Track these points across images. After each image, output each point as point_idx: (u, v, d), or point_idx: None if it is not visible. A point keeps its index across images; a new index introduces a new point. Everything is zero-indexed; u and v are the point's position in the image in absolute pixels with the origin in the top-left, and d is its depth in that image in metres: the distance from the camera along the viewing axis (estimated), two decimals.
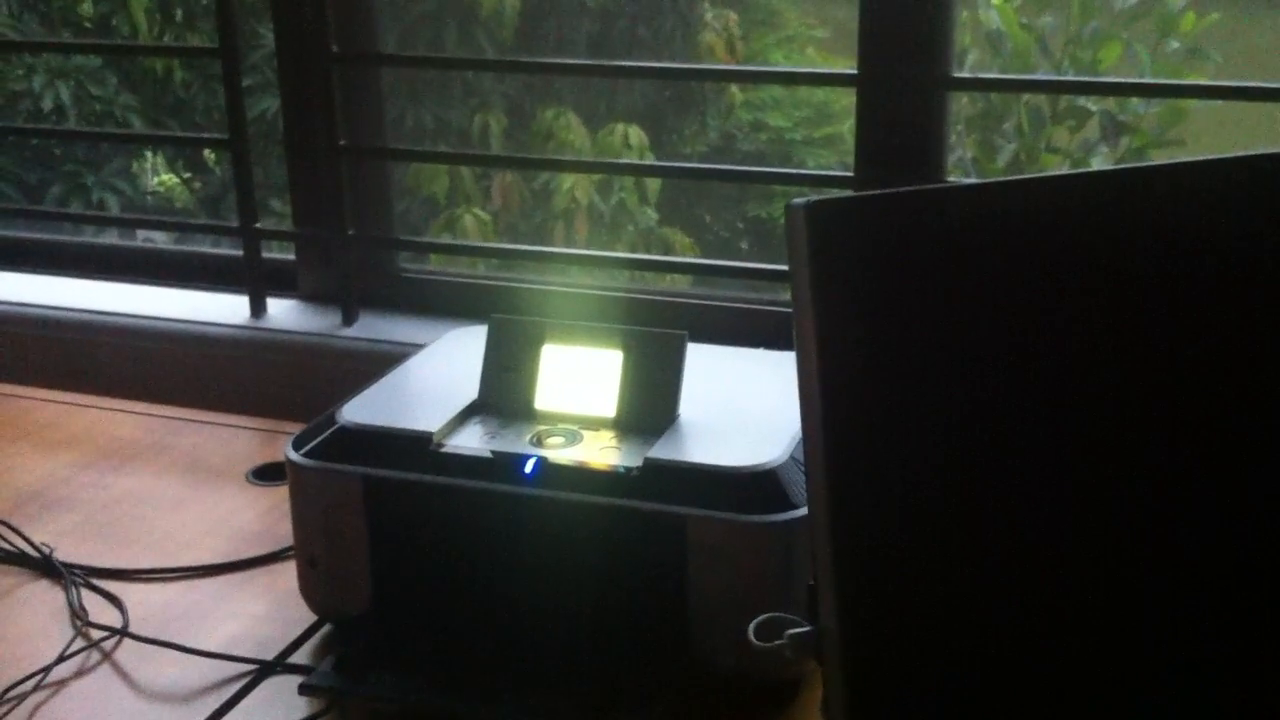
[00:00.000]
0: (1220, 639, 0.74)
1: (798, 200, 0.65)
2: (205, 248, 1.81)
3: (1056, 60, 3.38)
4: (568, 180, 4.25)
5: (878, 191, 0.69)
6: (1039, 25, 3.40)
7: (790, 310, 0.67)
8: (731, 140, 4.93)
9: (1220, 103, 2.93)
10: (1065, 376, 0.70)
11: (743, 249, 4.80)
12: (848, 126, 3.74)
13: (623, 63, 1.50)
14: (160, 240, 3.32)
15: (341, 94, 1.50)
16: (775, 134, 4.90)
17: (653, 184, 4.41)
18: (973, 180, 0.71)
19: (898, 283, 0.67)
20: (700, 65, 3.89)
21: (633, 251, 4.27)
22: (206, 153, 4.84)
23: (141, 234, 3.64)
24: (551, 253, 1.74)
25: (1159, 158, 3.34)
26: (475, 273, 1.66)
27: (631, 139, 4.29)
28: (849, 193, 1.36)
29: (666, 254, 4.28)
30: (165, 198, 4.88)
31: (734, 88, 4.78)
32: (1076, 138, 3.40)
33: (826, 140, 4.76)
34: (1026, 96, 3.39)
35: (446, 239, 4.04)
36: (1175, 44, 3.31)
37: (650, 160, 4.35)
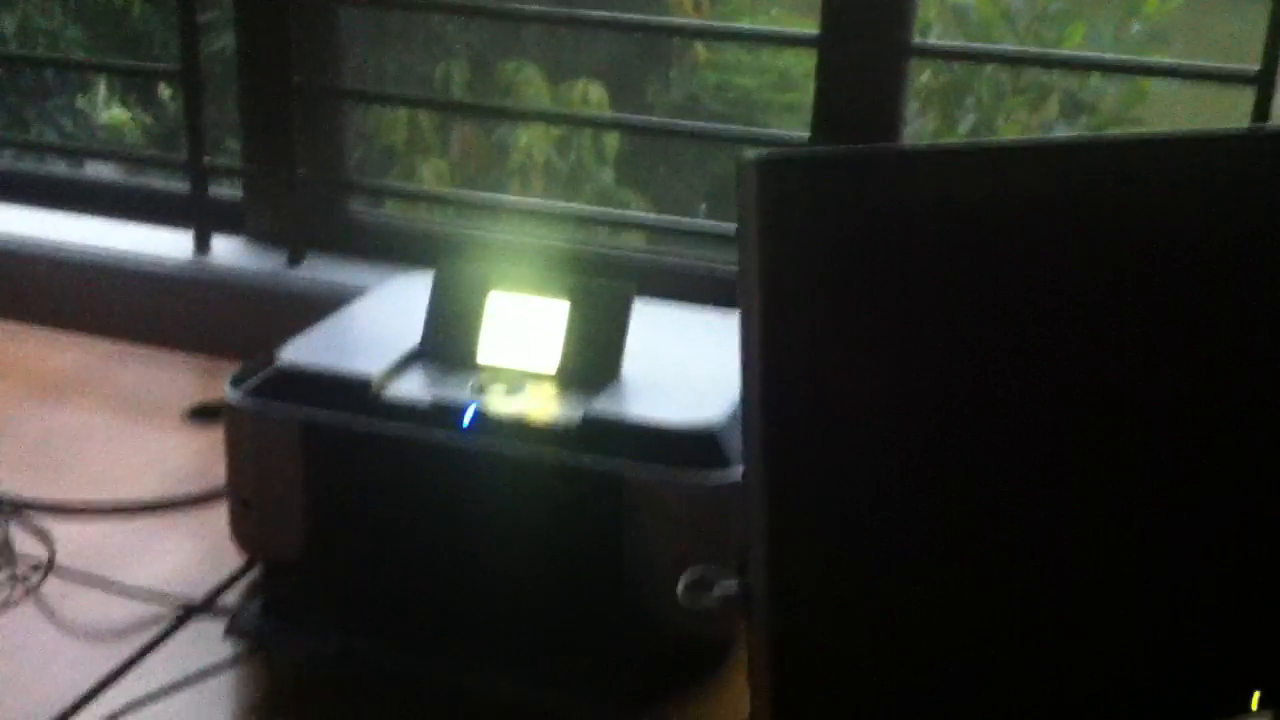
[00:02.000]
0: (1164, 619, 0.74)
1: (750, 155, 0.64)
2: (155, 182, 1.78)
3: (1021, 37, 3.39)
4: (523, 136, 4.22)
5: (836, 149, 0.68)
6: (1004, 1, 3.40)
7: None
8: (696, 100, 4.90)
9: (1180, 87, 2.94)
10: (1019, 350, 0.70)
11: (701, 211, 4.78)
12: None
13: (583, 12, 1.47)
14: (108, 174, 3.27)
15: (299, 33, 1.47)
16: (741, 93, 4.88)
17: (610, 143, 4.38)
18: (941, 142, 0.71)
19: (850, 245, 0.66)
20: (662, 19, 3.85)
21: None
22: (161, 88, 4.77)
23: (90, 168, 3.58)
24: (502, 202, 1.73)
25: None
26: (427, 219, 1.64)
27: (591, 96, 4.26)
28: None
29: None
30: (115, 132, 4.80)
31: (699, 46, 4.75)
32: (1036, 116, 3.41)
33: (790, 106, 4.75)
34: (988, 71, 3.39)
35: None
36: (1138, 26, 3.32)
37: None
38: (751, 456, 0.68)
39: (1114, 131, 3.32)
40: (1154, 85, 3.25)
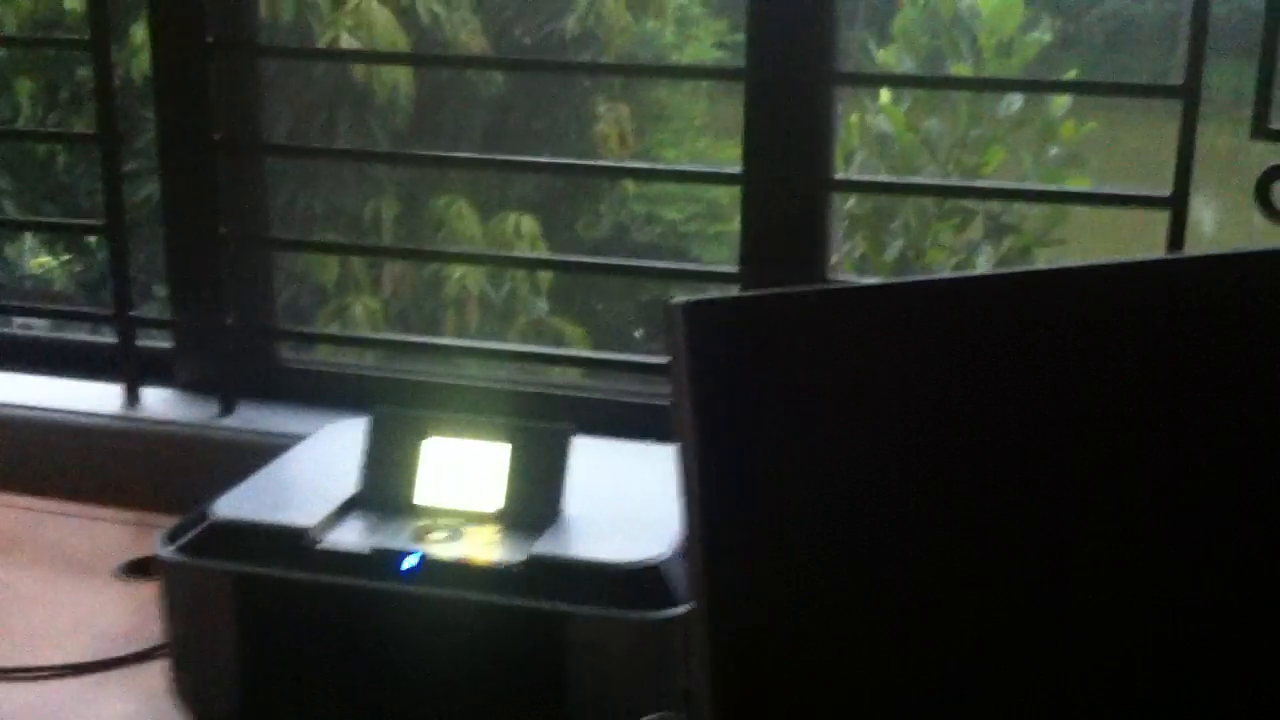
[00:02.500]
0: None
1: (677, 299, 0.65)
2: (84, 335, 1.77)
3: (942, 163, 3.46)
4: (459, 268, 4.25)
5: (757, 292, 0.69)
6: (926, 129, 3.48)
7: None
8: (624, 231, 4.96)
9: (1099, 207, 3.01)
10: (946, 479, 0.70)
11: (635, 338, 4.82)
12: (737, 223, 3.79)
13: (514, 157, 1.48)
14: (38, 327, 3.24)
15: (224, 180, 1.48)
16: (668, 226, 4.95)
17: (544, 274, 4.42)
18: (854, 282, 0.74)
19: (778, 383, 0.67)
20: (589, 162, 3.92)
21: (523, 341, 4.26)
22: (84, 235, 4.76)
23: (18, 320, 3.54)
24: (436, 345, 1.73)
25: (1042, 256, 3.42)
26: (360, 363, 1.64)
27: (523, 228, 4.30)
28: (732, 290, 1.37)
29: (557, 343, 4.27)
30: (44, 280, 4.78)
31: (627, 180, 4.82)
32: (962, 237, 3.48)
33: (717, 236, 4.82)
34: (913, 196, 3.46)
35: (335, 328, 4.00)
36: (1055, 150, 3.41)
37: (542, 250, 4.36)
38: (695, 593, 0.68)
39: (1038, 251, 3.39)
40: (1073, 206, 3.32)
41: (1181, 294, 0.74)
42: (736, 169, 1.35)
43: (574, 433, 1.04)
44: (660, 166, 3.44)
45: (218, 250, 1.48)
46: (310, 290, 4.38)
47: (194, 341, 1.55)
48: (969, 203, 3.43)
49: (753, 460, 0.67)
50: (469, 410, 1.08)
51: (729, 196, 4.71)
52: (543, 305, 4.45)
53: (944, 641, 0.71)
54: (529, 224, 4.33)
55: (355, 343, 2.35)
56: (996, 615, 0.71)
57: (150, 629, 1.17)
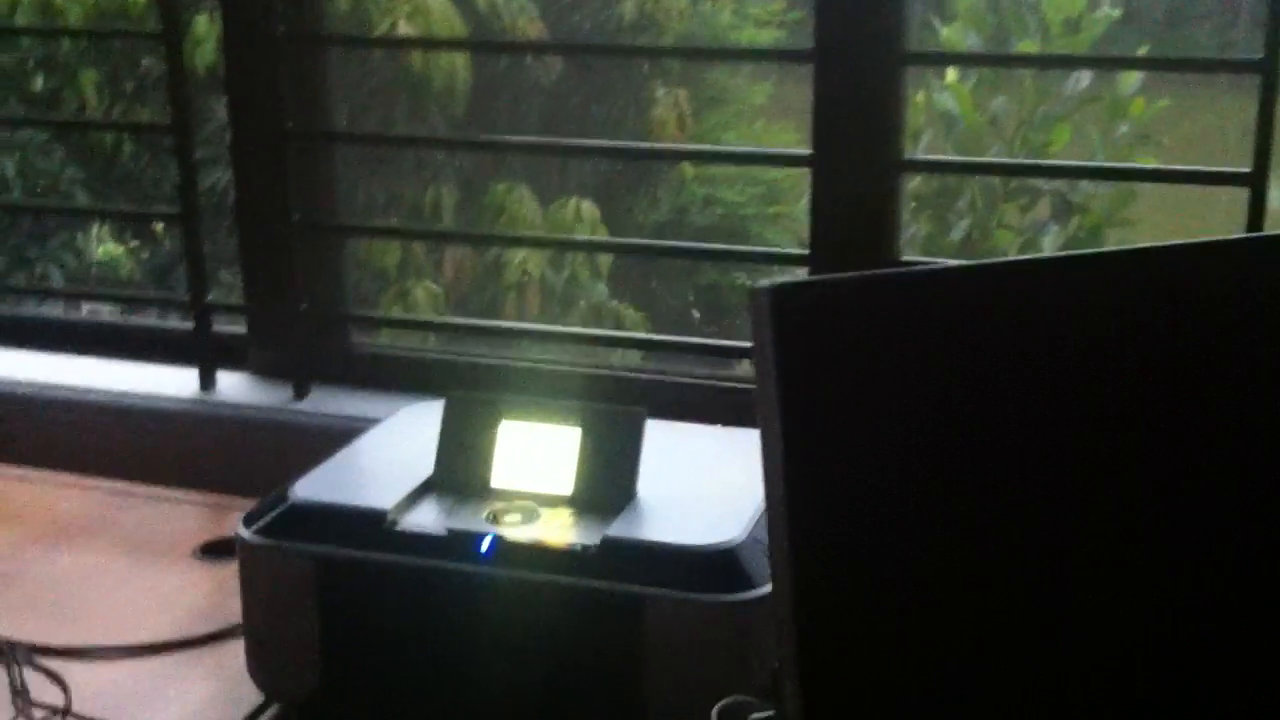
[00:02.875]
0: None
1: (763, 284, 0.65)
2: (153, 320, 1.79)
3: (1009, 141, 3.43)
4: (519, 253, 4.26)
5: (843, 275, 0.69)
6: (992, 108, 3.45)
7: (747, 386, 0.67)
8: (684, 214, 4.95)
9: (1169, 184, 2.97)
10: (1031, 457, 0.70)
11: (694, 318, 4.81)
12: (800, 206, 3.76)
13: (579, 141, 1.48)
14: (107, 313, 3.29)
15: (294, 169, 1.49)
16: (729, 208, 4.94)
17: (604, 259, 4.42)
18: (941, 264, 0.74)
19: (863, 365, 0.67)
20: (656, 145, 3.90)
21: (584, 325, 4.27)
22: (155, 224, 4.81)
23: (86, 306, 3.59)
24: (506, 329, 1.74)
25: (1111, 236, 3.39)
26: (428, 347, 1.65)
27: (584, 213, 4.30)
28: (805, 272, 1.37)
29: (617, 328, 4.28)
30: (110, 267, 4.84)
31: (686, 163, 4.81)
32: (1029, 216, 3.45)
33: (776, 218, 4.80)
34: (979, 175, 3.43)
35: (398, 312, 4.02)
36: (1125, 128, 3.37)
37: (603, 235, 4.37)
38: (779, 576, 0.68)
39: (1107, 232, 3.35)
40: (1144, 185, 3.29)
41: (1183, 283, 0.73)
42: (802, 150, 1.34)
43: (645, 417, 1.05)
44: (729, 149, 3.42)
45: (290, 238, 1.50)
46: (372, 275, 4.41)
47: (267, 327, 1.57)
48: (1036, 182, 3.39)
49: (838, 443, 0.67)
50: (535, 393, 1.09)
51: (789, 178, 4.69)
52: (603, 289, 4.46)
53: (1039, 627, 0.71)
54: (589, 209, 4.33)
55: (427, 327, 2.36)
56: (1098, 615, 0.71)
57: (228, 609, 1.19)
